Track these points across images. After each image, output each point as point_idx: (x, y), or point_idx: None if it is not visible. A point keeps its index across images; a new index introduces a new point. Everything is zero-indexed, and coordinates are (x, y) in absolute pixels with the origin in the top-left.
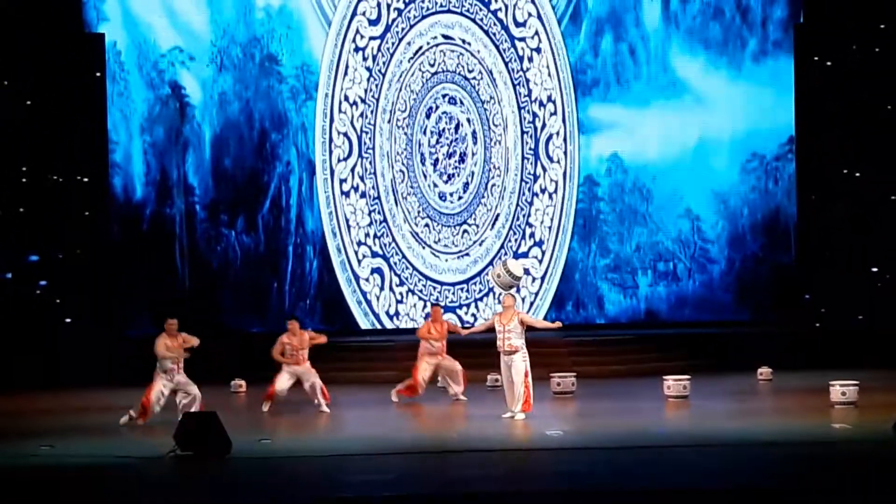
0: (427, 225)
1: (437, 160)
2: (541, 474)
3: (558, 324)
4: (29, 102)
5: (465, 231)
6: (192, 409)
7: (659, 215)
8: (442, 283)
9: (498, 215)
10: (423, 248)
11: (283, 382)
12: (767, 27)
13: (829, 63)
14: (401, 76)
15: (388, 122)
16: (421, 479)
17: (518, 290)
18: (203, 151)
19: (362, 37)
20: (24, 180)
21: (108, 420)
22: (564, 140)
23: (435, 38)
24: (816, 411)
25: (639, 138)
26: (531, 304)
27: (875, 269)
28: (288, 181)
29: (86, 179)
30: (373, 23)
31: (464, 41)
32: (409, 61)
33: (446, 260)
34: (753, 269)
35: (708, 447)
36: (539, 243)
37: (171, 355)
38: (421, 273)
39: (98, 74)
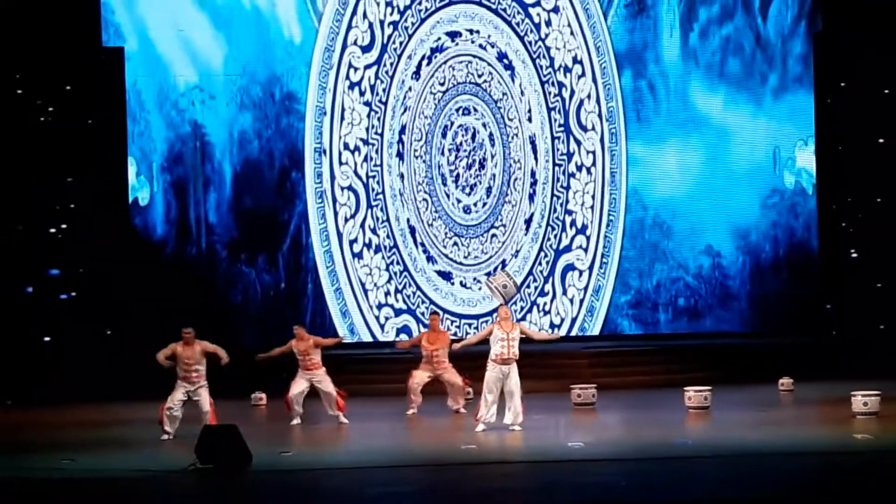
0: (456, 244)
1: (457, 175)
2: (562, 486)
3: (558, 335)
4: (44, 119)
5: (493, 236)
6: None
7: (679, 251)
8: (477, 317)
9: (531, 217)
10: (452, 284)
11: (296, 388)
12: (787, 62)
13: (848, 76)
14: (404, 98)
15: (398, 155)
16: (441, 492)
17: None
18: (223, 190)
19: (356, 70)
20: (41, 199)
21: (129, 433)
22: (598, 102)
23: (439, 39)
24: (838, 422)
25: (659, 174)
26: (580, 301)
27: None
28: (307, 219)
29: (106, 183)
30: (366, 49)
31: (471, 31)
32: (412, 78)
33: (480, 288)
34: (775, 304)
35: (729, 458)
36: (582, 229)
37: (170, 362)
38: (454, 313)
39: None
